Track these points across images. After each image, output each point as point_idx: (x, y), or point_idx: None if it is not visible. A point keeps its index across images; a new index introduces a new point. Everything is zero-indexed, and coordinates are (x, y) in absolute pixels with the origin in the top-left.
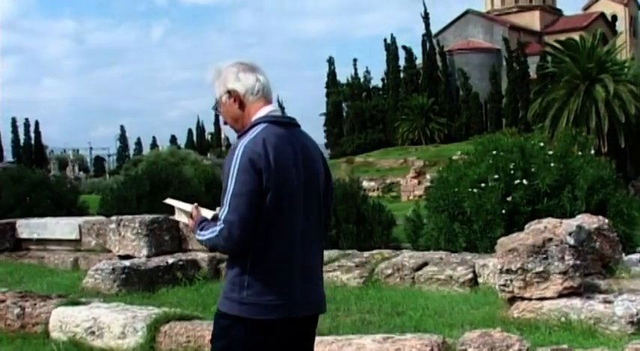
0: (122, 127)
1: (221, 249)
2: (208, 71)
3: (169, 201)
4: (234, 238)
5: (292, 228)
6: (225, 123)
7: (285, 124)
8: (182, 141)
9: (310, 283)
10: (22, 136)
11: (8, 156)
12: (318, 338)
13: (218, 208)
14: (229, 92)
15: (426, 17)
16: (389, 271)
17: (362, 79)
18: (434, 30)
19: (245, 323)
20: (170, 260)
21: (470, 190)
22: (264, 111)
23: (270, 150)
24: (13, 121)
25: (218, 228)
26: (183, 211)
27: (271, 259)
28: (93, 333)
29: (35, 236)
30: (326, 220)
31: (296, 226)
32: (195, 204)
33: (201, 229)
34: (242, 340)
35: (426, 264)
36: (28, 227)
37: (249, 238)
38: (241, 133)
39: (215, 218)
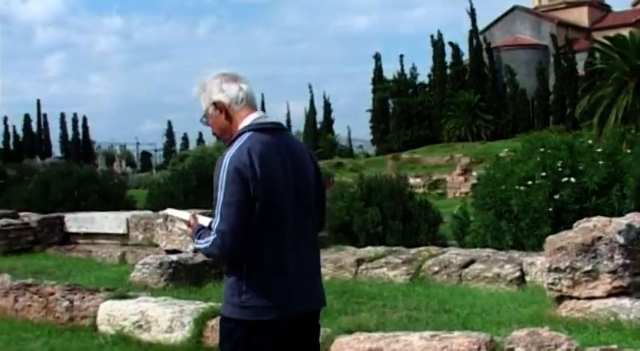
0: (169, 123)
1: (216, 258)
2: (194, 86)
3: (169, 211)
4: (227, 247)
5: (284, 230)
6: (215, 134)
7: (269, 130)
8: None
9: (307, 281)
10: (70, 132)
11: (57, 151)
12: (365, 334)
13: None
14: (215, 104)
15: (472, 13)
16: (436, 268)
17: (408, 76)
18: (480, 26)
19: (246, 325)
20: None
21: (517, 187)
22: (249, 119)
23: (255, 158)
24: (62, 116)
25: (212, 238)
26: (179, 220)
27: (265, 262)
28: (140, 327)
29: (83, 230)
30: (321, 218)
31: (287, 228)
32: (193, 212)
33: (199, 238)
34: (245, 342)
35: (473, 261)
36: (76, 221)
37: (240, 245)
38: (229, 143)
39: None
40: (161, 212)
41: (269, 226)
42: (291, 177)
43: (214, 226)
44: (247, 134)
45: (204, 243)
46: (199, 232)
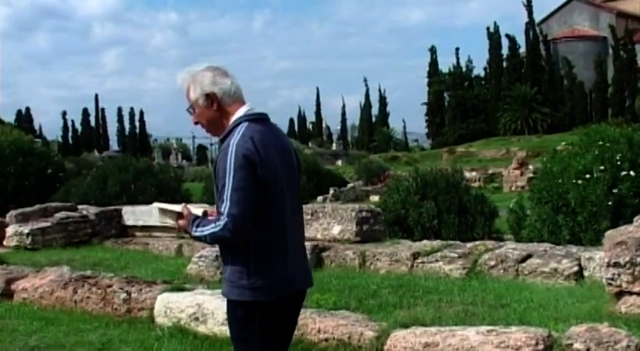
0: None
1: (226, 241)
2: (180, 74)
3: (158, 205)
4: (239, 230)
5: (284, 212)
6: (198, 123)
7: (262, 120)
8: (283, 130)
9: (302, 259)
10: (127, 126)
11: (114, 145)
12: (421, 328)
13: (208, 206)
14: (207, 95)
15: (529, 5)
16: (492, 263)
17: (464, 69)
18: (537, 18)
19: (257, 306)
20: None
21: (574, 181)
22: (242, 110)
23: (258, 145)
24: (119, 110)
25: (222, 222)
26: (168, 212)
27: (270, 243)
28: (197, 319)
29: (140, 223)
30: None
31: (285, 210)
32: (184, 204)
33: (197, 226)
34: (257, 321)
35: (530, 256)
36: (133, 214)
37: (250, 227)
38: (226, 133)
39: (205, 214)
40: (152, 205)
41: (273, 209)
42: (283, 162)
43: (224, 210)
44: (245, 124)
45: (211, 228)
46: (196, 221)
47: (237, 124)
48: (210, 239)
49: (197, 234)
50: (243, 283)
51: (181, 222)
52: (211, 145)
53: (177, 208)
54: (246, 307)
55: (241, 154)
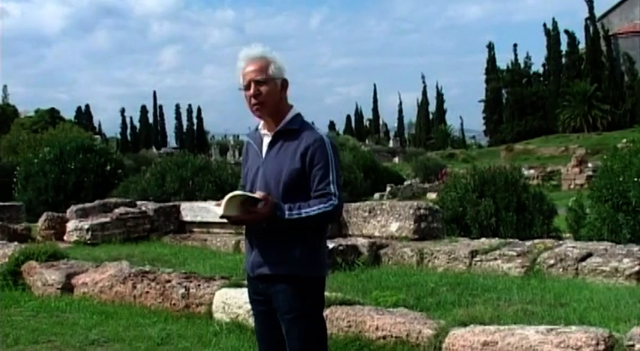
0: None
1: (331, 219)
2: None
3: (236, 193)
4: (341, 210)
5: None
6: (258, 103)
7: None
8: (340, 127)
9: None
10: (184, 122)
11: (172, 141)
12: (480, 327)
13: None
14: (284, 80)
15: (589, 0)
16: (551, 261)
17: (522, 65)
18: (598, 13)
19: (323, 280)
20: (330, 245)
21: (636, 179)
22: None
23: None
24: (177, 107)
25: (334, 201)
26: (232, 203)
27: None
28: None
29: (198, 219)
30: None
31: None
32: (260, 192)
33: (291, 210)
34: (322, 296)
35: (590, 255)
36: (191, 210)
37: None
38: (288, 120)
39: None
40: (232, 194)
41: None
42: None
43: (335, 191)
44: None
45: (322, 207)
46: (284, 205)
47: (298, 114)
48: (316, 218)
49: (294, 216)
50: (316, 261)
51: (263, 209)
52: None
53: (257, 195)
54: (316, 281)
55: (335, 146)
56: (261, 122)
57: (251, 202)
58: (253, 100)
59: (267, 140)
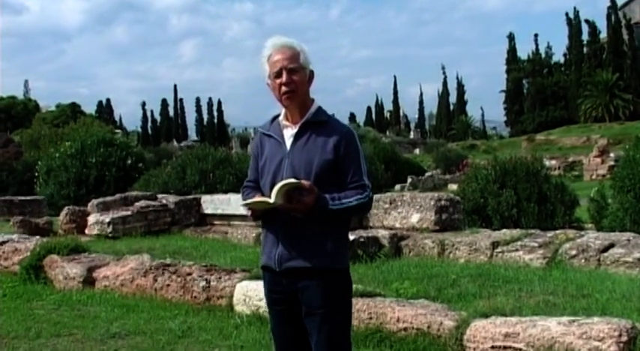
0: None
1: (366, 211)
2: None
3: (283, 182)
4: (372, 202)
5: None
6: (290, 91)
7: None
8: (361, 118)
9: None
10: (205, 115)
11: (192, 134)
12: (501, 318)
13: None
14: (312, 72)
15: None
16: (573, 252)
17: (543, 55)
18: (619, 2)
19: (349, 272)
20: (351, 237)
21: None
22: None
23: None
24: (197, 100)
25: (370, 193)
26: (280, 192)
27: None
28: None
29: (219, 212)
30: None
31: None
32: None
33: (334, 200)
34: (351, 288)
35: (612, 246)
36: (212, 203)
37: None
38: (314, 111)
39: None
40: (284, 182)
41: None
42: None
43: (368, 182)
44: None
45: (359, 198)
46: (325, 196)
47: (321, 107)
48: (354, 209)
49: (337, 207)
50: (344, 252)
51: (308, 198)
52: None
53: (293, 181)
54: (346, 273)
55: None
56: (282, 113)
57: (295, 191)
58: (285, 88)
59: (289, 131)
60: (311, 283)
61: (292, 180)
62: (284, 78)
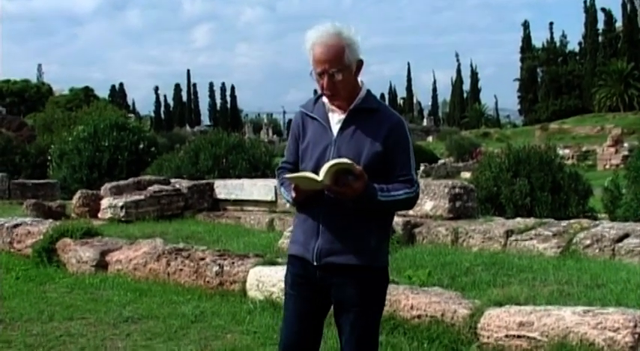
0: (315, 92)
1: (412, 206)
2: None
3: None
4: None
5: None
6: (332, 93)
7: None
8: None
9: None
10: (218, 101)
11: (206, 120)
12: (515, 307)
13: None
14: (360, 61)
15: None
16: (588, 242)
17: (558, 44)
18: None
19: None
20: None
21: None
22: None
23: None
24: (211, 86)
25: (416, 187)
26: (330, 172)
27: None
28: None
29: (232, 197)
30: None
31: None
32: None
33: (382, 191)
34: (387, 287)
35: (627, 235)
36: (225, 188)
37: None
38: (363, 98)
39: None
40: (335, 161)
41: None
42: None
43: (416, 177)
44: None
45: (407, 192)
46: (382, 185)
47: (370, 91)
48: (401, 203)
49: (386, 198)
50: (386, 250)
51: (357, 183)
52: None
53: (347, 161)
54: (386, 272)
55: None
56: None
57: (344, 174)
58: (327, 92)
59: (336, 116)
60: (348, 279)
61: (346, 160)
62: (325, 83)
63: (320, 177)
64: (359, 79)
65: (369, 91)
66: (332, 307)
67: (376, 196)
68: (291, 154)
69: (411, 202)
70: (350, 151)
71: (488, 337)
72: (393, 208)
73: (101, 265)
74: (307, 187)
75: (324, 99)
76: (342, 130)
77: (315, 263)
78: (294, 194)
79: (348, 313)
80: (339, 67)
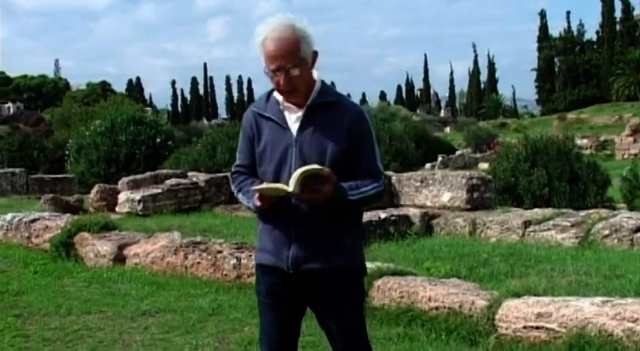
0: (332, 84)
1: (379, 199)
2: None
3: (302, 169)
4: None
5: None
6: (290, 89)
7: None
8: (391, 97)
9: None
10: (235, 94)
11: (222, 113)
12: (534, 298)
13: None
14: (315, 53)
15: None
16: (606, 232)
17: (575, 33)
18: None
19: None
20: (382, 215)
21: None
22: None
23: None
24: (227, 79)
25: (382, 179)
26: (298, 180)
27: None
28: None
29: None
30: None
31: None
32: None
33: (352, 189)
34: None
35: None
36: None
37: None
38: (328, 92)
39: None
40: (304, 168)
41: None
42: None
43: (381, 168)
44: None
45: (375, 186)
46: (350, 183)
47: (324, 82)
48: (370, 199)
49: (356, 196)
50: (361, 247)
51: (327, 187)
52: None
53: (315, 167)
54: (364, 269)
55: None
56: None
57: (311, 179)
58: (284, 89)
59: (293, 115)
60: (327, 282)
61: (315, 166)
62: (282, 80)
63: (290, 187)
64: (313, 71)
65: (323, 82)
66: (310, 309)
67: (346, 196)
68: (245, 156)
69: (379, 195)
70: (313, 151)
71: (506, 329)
72: (363, 204)
73: (119, 258)
74: (273, 194)
75: (277, 95)
76: (301, 128)
77: (290, 271)
78: (258, 203)
79: (333, 314)
80: (295, 61)
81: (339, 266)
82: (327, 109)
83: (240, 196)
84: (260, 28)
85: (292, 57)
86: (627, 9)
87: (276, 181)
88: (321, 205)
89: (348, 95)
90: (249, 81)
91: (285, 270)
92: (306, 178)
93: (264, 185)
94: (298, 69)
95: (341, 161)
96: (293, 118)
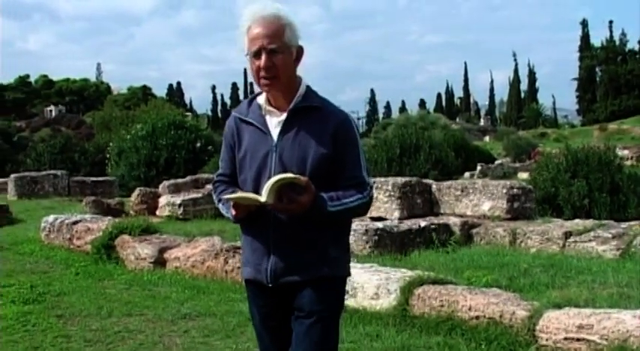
0: (372, 91)
1: (365, 212)
2: (271, 6)
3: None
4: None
5: None
6: (270, 69)
7: None
8: (431, 105)
9: None
10: None
11: None
12: (575, 309)
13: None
14: (301, 48)
15: None
16: None
17: (617, 42)
18: None
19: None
20: (422, 223)
21: None
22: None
23: None
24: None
25: (368, 190)
26: (272, 189)
27: None
28: (346, 292)
29: None
30: None
31: None
32: (300, 176)
33: (332, 200)
34: (344, 295)
35: None
36: None
37: None
38: (313, 97)
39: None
40: (278, 177)
41: None
42: None
43: (368, 179)
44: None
45: (360, 197)
46: (331, 194)
47: (310, 87)
48: (353, 211)
49: (337, 208)
50: (348, 258)
51: (305, 198)
52: (358, 119)
53: (302, 180)
54: (345, 281)
55: (357, 125)
56: (262, 96)
57: (287, 188)
58: (264, 73)
59: (274, 119)
60: (309, 291)
61: (289, 175)
62: (263, 61)
63: (263, 197)
64: (298, 74)
65: (309, 87)
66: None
67: (326, 207)
68: (227, 165)
69: (364, 207)
70: (293, 157)
71: (547, 340)
72: (345, 217)
73: (159, 262)
74: (248, 203)
75: (259, 100)
76: (282, 133)
77: (270, 285)
78: (234, 212)
79: (302, 319)
80: (278, 43)
81: (320, 276)
82: (311, 113)
83: (220, 206)
84: (244, 15)
85: (276, 39)
86: None
87: (256, 189)
88: (300, 217)
89: (388, 103)
90: None
91: (265, 283)
92: (282, 186)
93: (237, 195)
94: (281, 55)
95: (324, 169)
96: (274, 122)
